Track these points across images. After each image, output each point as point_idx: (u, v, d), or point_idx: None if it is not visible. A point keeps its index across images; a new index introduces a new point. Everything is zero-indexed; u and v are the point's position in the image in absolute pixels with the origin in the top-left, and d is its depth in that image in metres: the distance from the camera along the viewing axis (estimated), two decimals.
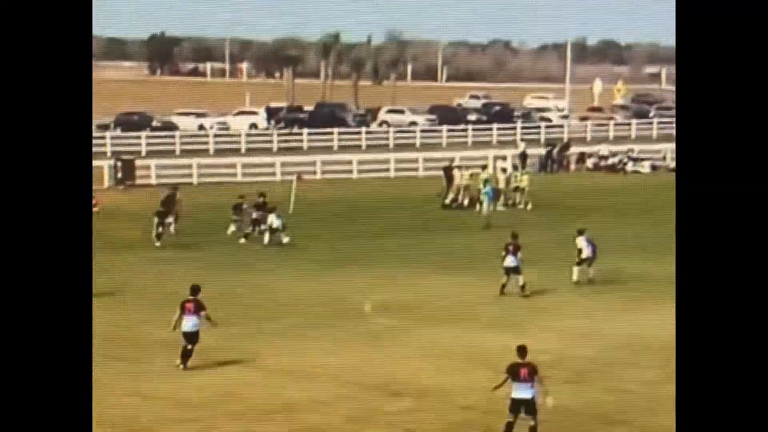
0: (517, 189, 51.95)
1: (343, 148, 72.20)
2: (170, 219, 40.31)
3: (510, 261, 32.71)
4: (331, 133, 74.99)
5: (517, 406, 19.65)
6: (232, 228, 41.58)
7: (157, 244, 39.09)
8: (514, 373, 19.74)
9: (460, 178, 51.95)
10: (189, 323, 24.48)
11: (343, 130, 77.47)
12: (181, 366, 24.17)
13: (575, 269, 34.38)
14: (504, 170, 54.38)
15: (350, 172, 62.13)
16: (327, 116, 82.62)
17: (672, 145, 71.05)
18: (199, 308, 24.59)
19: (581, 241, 34.70)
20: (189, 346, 24.39)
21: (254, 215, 41.09)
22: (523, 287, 32.51)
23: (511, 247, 32.88)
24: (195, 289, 24.93)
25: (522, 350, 20.05)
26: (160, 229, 39.71)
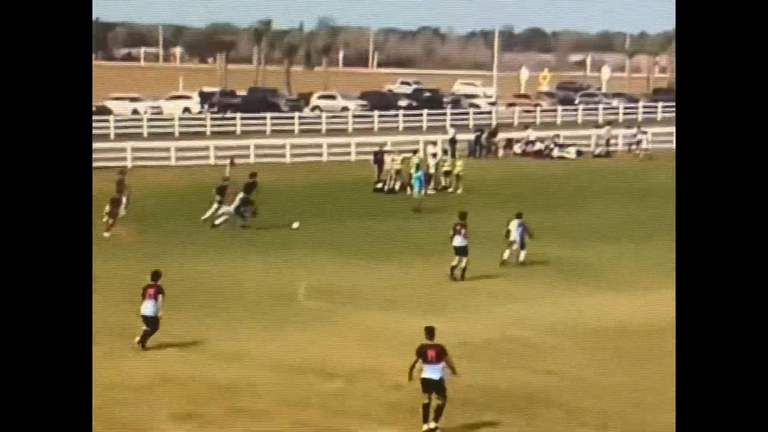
0: (448, 173, 53.35)
1: (275, 133, 72.75)
2: (123, 202, 40.67)
3: (458, 241, 33.35)
4: (263, 118, 75.61)
5: (427, 386, 19.87)
6: (211, 210, 41.40)
7: (106, 234, 38.75)
8: (422, 354, 19.91)
9: (391, 162, 53.21)
10: (148, 307, 25.06)
11: (275, 114, 78.11)
12: (140, 346, 24.74)
13: (506, 252, 35.35)
14: (434, 155, 55.67)
15: (283, 156, 62.95)
16: (260, 101, 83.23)
17: (597, 131, 72.73)
18: (158, 293, 25.11)
19: (513, 224, 35.61)
20: (148, 329, 24.96)
21: (242, 195, 41.36)
22: (463, 270, 33.16)
23: (459, 227, 33.54)
24: (155, 274, 25.45)
25: (430, 331, 20.20)
26: (111, 220, 39.35)
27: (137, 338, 24.92)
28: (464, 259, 33.13)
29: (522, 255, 35.51)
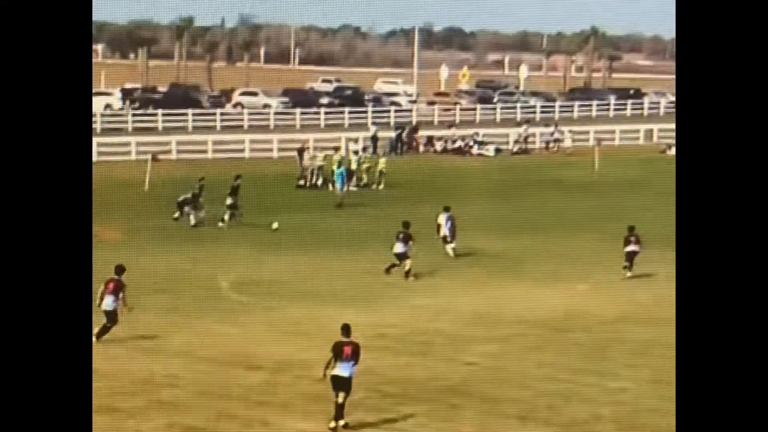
0: (369, 170, 53.86)
1: (197, 129, 72.58)
2: None
3: (399, 248, 33.51)
4: (185, 114, 75.50)
5: (337, 384, 19.88)
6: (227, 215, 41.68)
7: None
8: (338, 351, 19.94)
9: (312, 159, 53.60)
10: (107, 302, 24.98)
11: (197, 111, 77.90)
12: (95, 338, 24.04)
13: (448, 247, 36.15)
14: (356, 152, 56.14)
15: (205, 152, 62.92)
16: (181, 97, 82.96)
17: (515, 129, 73.59)
18: (118, 289, 25.05)
19: (442, 218, 36.37)
20: (108, 324, 24.87)
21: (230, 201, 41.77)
22: (407, 272, 33.29)
23: (401, 235, 33.68)
24: (119, 269, 25.39)
25: (346, 329, 20.27)
26: None
27: (95, 330, 24.54)
28: (407, 262, 33.45)
29: (449, 248, 36.22)
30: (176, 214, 41.90)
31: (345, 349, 19.94)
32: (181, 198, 41.96)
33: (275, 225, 40.56)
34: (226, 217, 41.43)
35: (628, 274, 34.38)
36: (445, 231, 36.22)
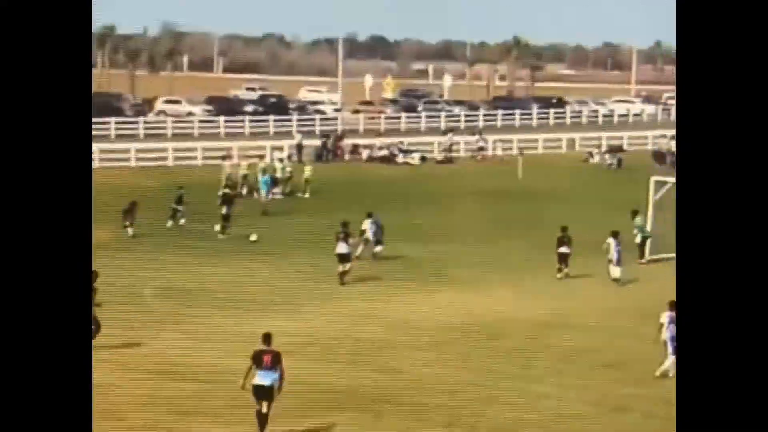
0: (293, 178, 53.88)
1: (120, 137, 72.08)
2: None
3: (342, 248, 33.78)
4: (108, 122, 74.88)
5: (259, 393, 19.84)
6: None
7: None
8: (258, 360, 19.90)
9: (235, 168, 53.61)
10: None
11: (120, 119, 77.36)
12: None
13: (376, 248, 36.86)
14: (281, 160, 56.10)
15: (128, 160, 62.48)
16: (103, 105, 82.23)
17: (440, 138, 73.93)
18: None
19: (366, 224, 37.01)
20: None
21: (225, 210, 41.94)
22: (344, 273, 33.45)
23: (342, 235, 33.96)
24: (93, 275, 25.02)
25: (266, 337, 20.20)
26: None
27: None
28: (347, 264, 33.65)
29: (378, 249, 37.01)
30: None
31: (265, 358, 19.89)
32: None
33: (254, 237, 40.41)
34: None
35: (559, 275, 35.10)
36: (369, 235, 36.94)
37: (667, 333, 24.82)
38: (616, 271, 34.75)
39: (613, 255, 34.71)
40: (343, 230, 34.14)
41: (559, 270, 35.12)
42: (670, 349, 24.53)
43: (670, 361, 24.36)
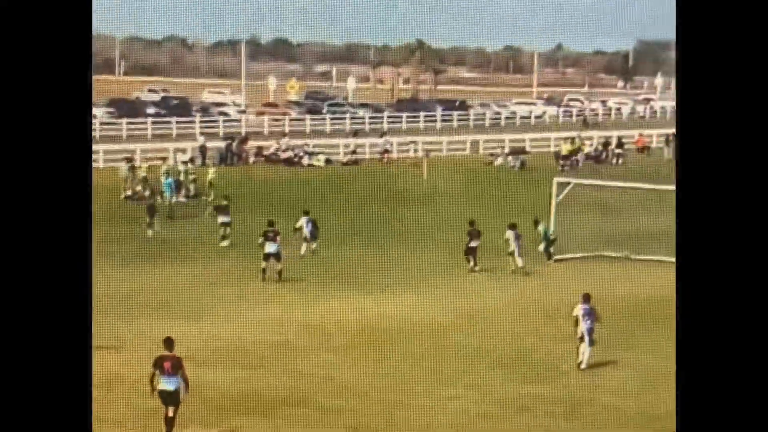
0: (198, 181, 53.49)
1: None
2: None
3: (270, 247, 34.02)
4: None
5: (164, 398, 19.91)
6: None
7: None
8: (160, 365, 19.95)
9: (135, 170, 53.14)
10: None
11: None
12: None
13: (308, 246, 37.91)
14: (185, 163, 55.66)
15: None
16: None
17: (345, 140, 73.97)
18: None
19: (302, 221, 38.06)
20: None
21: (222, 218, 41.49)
22: (279, 272, 33.82)
23: (270, 234, 34.11)
24: None
25: (168, 342, 20.22)
26: None
27: None
28: (278, 265, 33.97)
29: (314, 246, 38.34)
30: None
31: (165, 364, 19.95)
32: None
33: (225, 243, 40.16)
34: None
35: (473, 267, 36.47)
36: (306, 233, 38.00)
37: (584, 325, 25.06)
38: (519, 261, 36.55)
39: (514, 247, 36.42)
40: (270, 229, 34.11)
41: (468, 261, 36.46)
42: (587, 340, 24.92)
43: (588, 352, 24.90)
